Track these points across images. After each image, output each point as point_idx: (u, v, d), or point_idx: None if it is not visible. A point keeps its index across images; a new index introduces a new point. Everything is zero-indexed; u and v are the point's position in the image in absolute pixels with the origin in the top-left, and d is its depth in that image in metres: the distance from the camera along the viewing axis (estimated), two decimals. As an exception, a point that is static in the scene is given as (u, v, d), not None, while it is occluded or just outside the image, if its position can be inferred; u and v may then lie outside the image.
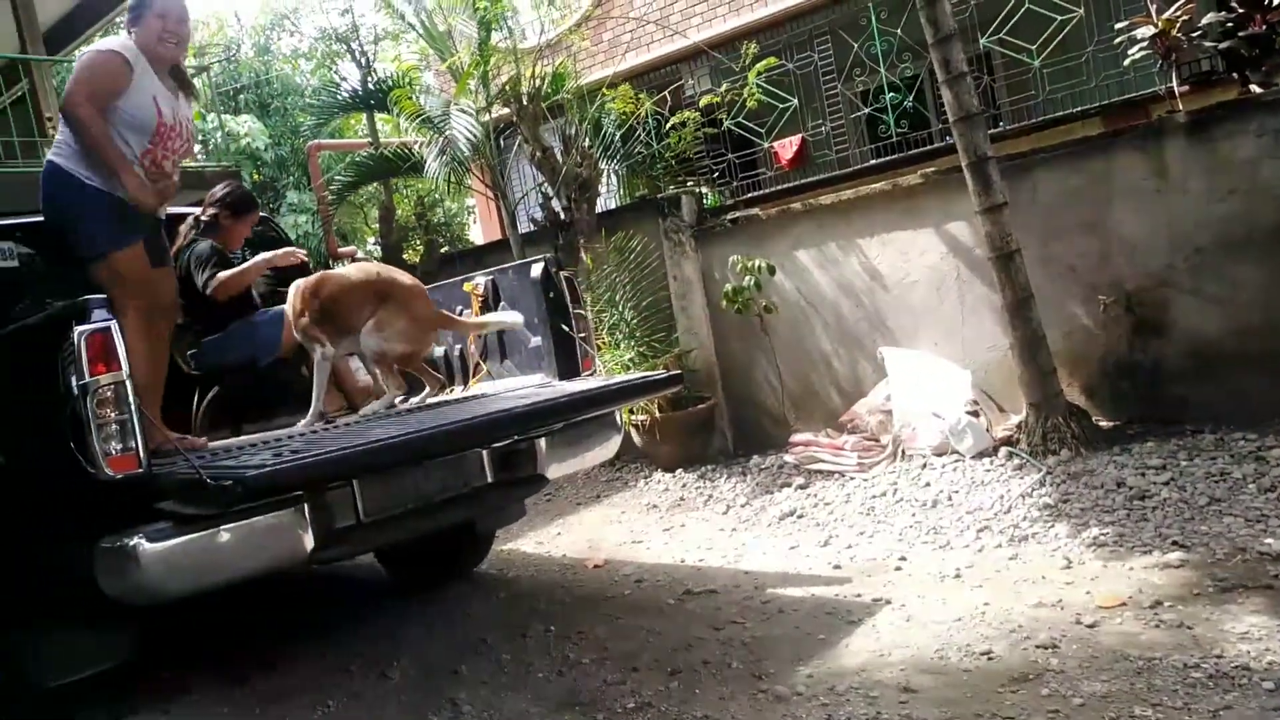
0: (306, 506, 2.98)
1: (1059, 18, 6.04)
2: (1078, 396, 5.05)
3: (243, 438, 4.14)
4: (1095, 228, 5.03)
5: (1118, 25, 5.20)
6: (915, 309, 5.64)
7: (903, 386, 5.32)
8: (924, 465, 4.93)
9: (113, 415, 2.80)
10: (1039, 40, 6.15)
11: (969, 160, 4.79)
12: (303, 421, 3.96)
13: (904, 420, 5.21)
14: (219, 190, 4.56)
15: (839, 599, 3.69)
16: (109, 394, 2.80)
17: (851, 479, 5.14)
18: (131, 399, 2.82)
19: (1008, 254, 4.76)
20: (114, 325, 2.86)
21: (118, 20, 15.29)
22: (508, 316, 4.28)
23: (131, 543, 2.73)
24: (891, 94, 6.84)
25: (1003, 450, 4.79)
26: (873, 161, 6.79)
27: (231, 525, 2.82)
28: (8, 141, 8.20)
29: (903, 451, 5.14)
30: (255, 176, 14.00)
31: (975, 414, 4.99)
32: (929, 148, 6.52)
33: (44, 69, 9.16)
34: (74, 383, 2.80)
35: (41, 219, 3.59)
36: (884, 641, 3.20)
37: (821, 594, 3.77)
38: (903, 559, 4.04)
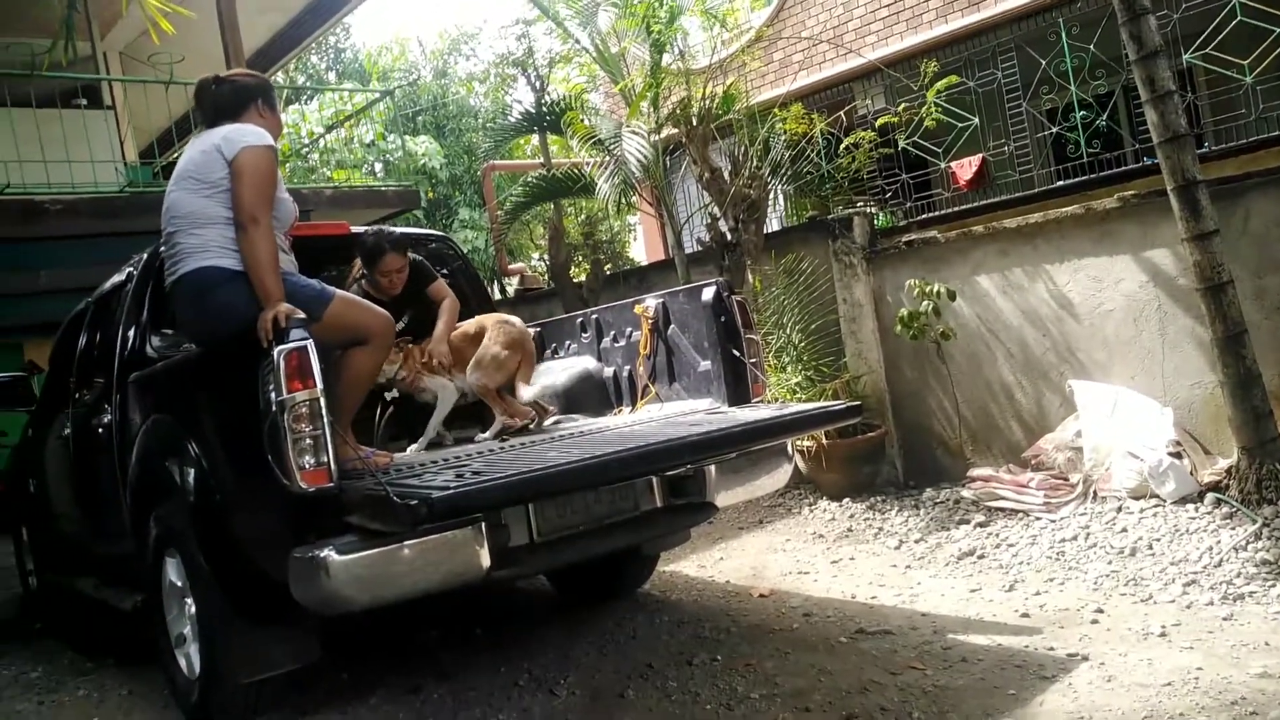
0: (484, 525, 3.02)
1: (1278, 30, 5.56)
2: (1297, 441, 4.61)
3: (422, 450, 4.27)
4: (1321, 258, 4.60)
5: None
6: (1109, 340, 5.28)
7: (1095, 422, 4.98)
8: (1119, 508, 4.59)
9: (307, 430, 2.90)
10: (1251, 55, 5.69)
11: (1175, 184, 4.45)
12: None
13: (1096, 459, 4.87)
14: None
15: (1029, 650, 3.44)
16: (304, 410, 2.90)
17: (1037, 519, 4.84)
18: (325, 416, 2.92)
19: (1219, 285, 4.39)
20: (310, 344, 2.96)
21: (312, 47, 16.24)
22: None
23: (322, 554, 2.83)
24: (1082, 112, 6.48)
25: (1209, 497, 4.41)
26: (1060, 183, 6.42)
27: (414, 541, 2.88)
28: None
29: (1094, 492, 4.81)
30: (430, 194, 14.56)
31: (1178, 455, 4.61)
32: (1122, 169, 6.13)
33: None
34: (272, 398, 2.92)
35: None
36: (1082, 703, 2.95)
37: (1009, 644, 3.54)
38: (1099, 611, 3.74)
